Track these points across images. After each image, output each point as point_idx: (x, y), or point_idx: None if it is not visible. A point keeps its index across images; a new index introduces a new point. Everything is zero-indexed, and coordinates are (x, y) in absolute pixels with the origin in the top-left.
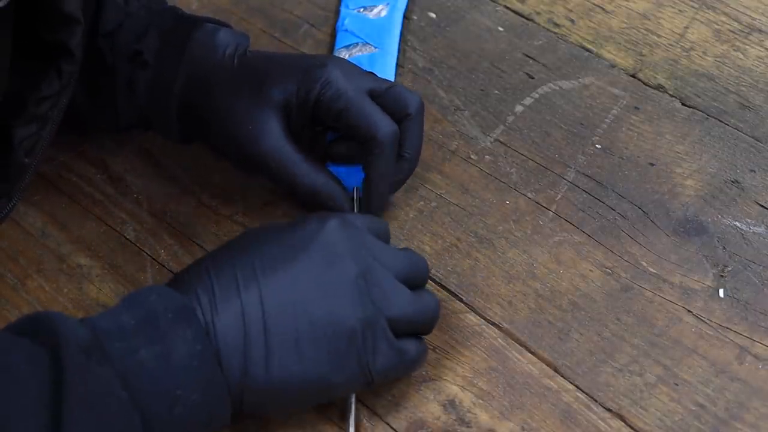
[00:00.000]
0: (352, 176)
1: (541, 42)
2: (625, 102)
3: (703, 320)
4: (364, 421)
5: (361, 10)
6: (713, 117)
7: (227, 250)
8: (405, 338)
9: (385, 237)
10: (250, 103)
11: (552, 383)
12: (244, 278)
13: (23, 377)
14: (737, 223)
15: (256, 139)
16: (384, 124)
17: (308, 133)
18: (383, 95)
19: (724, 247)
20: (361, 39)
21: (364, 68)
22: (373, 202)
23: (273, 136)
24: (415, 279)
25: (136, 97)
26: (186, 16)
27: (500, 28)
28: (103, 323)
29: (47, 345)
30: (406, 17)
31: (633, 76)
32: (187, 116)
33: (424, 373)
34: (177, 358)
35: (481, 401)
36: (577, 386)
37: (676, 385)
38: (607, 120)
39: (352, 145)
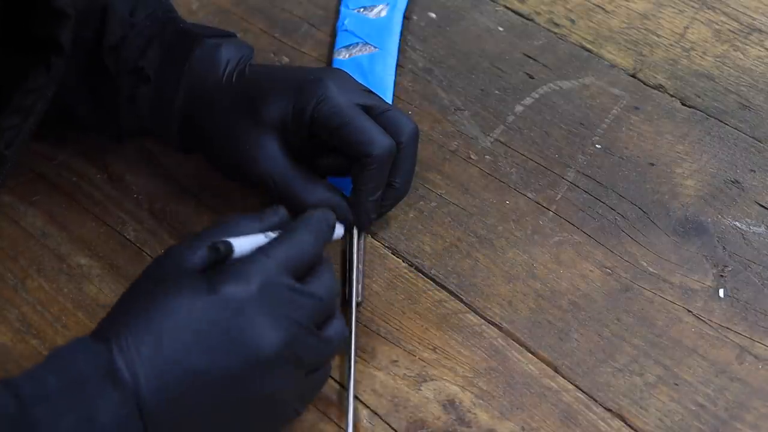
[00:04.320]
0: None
1: (541, 42)
2: (625, 102)
3: (703, 320)
4: (364, 421)
5: (361, 10)
6: (713, 117)
7: (134, 288)
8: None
9: (306, 260)
10: (248, 123)
11: (552, 383)
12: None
13: None
14: (737, 223)
15: (255, 160)
16: (379, 141)
17: (307, 147)
18: (378, 117)
19: (724, 247)
20: (361, 39)
21: (364, 68)
22: (360, 219)
23: (270, 156)
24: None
25: (137, 110)
26: (187, 30)
27: (500, 28)
28: (28, 388)
29: None
30: (406, 17)
31: (633, 76)
32: (188, 132)
33: (424, 373)
34: (102, 425)
35: (481, 401)
36: (577, 386)
37: (676, 385)
38: (607, 120)
39: (339, 157)
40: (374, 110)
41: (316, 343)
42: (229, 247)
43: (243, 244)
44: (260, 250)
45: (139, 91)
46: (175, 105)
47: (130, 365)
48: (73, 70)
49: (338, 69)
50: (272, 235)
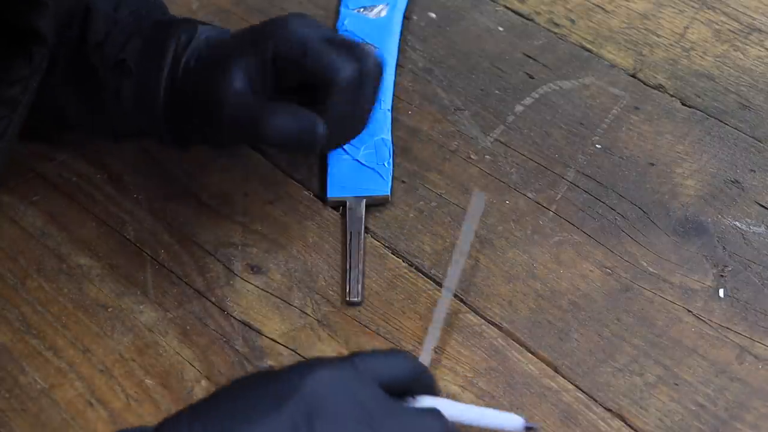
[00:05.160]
0: (356, 180)
1: (541, 42)
2: (625, 102)
3: (703, 320)
4: None
5: (361, 10)
6: (713, 117)
7: (208, 402)
8: None
9: (402, 379)
10: (217, 71)
11: (552, 383)
12: None
13: None
14: (737, 223)
15: (224, 96)
16: (344, 67)
17: (276, 91)
18: (342, 48)
19: (724, 247)
20: (361, 39)
21: None
22: (330, 146)
23: (237, 88)
24: None
25: (123, 105)
26: (166, 20)
27: (500, 28)
28: None
29: None
30: (406, 17)
31: (633, 76)
32: (174, 120)
33: None
34: None
35: (481, 401)
36: (577, 386)
37: (676, 385)
38: (607, 120)
39: (303, 94)
40: (338, 41)
41: None
42: None
43: None
44: None
45: (122, 85)
46: (159, 95)
47: None
48: (61, 71)
49: (302, 13)
50: None
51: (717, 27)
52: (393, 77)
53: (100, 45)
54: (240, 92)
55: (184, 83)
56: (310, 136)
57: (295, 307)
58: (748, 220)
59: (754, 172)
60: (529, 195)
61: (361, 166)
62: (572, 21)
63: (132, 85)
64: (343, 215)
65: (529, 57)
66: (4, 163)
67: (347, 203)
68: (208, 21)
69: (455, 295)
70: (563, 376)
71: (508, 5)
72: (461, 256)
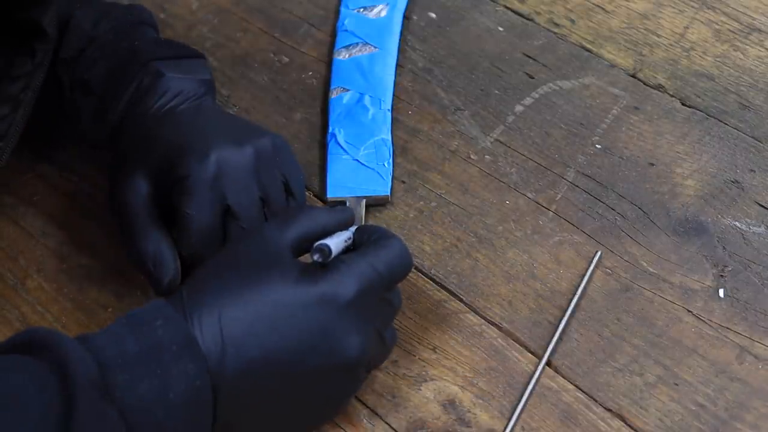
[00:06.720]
0: (356, 180)
1: (541, 42)
2: (625, 102)
3: (703, 320)
4: (364, 421)
5: (361, 10)
6: (713, 117)
7: (215, 262)
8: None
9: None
10: (134, 163)
11: (552, 383)
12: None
13: (30, 404)
14: (737, 223)
15: (126, 191)
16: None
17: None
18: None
19: (724, 247)
20: (361, 39)
21: (364, 68)
22: (183, 242)
23: (136, 193)
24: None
25: (82, 121)
26: (141, 50)
27: (500, 28)
28: (107, 350)
29: (56, 373)
30: (406, 17)
31: (633, 76)
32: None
33: (424, 373)
34: (175, 394)
35: (481, 401)
36: (577, 386)
37: (676, 385)
38: (607, 120)
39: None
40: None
41: (382, 350)
42: (331, 251)
43: (338, 243)
44: (361, 255)
45: (83, 103)
46: (113, 123)
47: (210, 340)
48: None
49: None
50: (352, 230)
51: (717, 27)
52: (393, 77)
53: (70, 62)
54: (137, 195)
55: (129, 133)
56: (156, 282)
57: None
58: (748, 220)
59: (754, 172)
60: (529, 195)
61: (361, 166)
62: (572, 21)
63: (91, 105)
64: None
65: (529, 57)
66: (4, 163)
67: (347, 203)
68: (208, 21)
69: (455, 295)
70: (563, 376)
71: (508, 5)
72: None
